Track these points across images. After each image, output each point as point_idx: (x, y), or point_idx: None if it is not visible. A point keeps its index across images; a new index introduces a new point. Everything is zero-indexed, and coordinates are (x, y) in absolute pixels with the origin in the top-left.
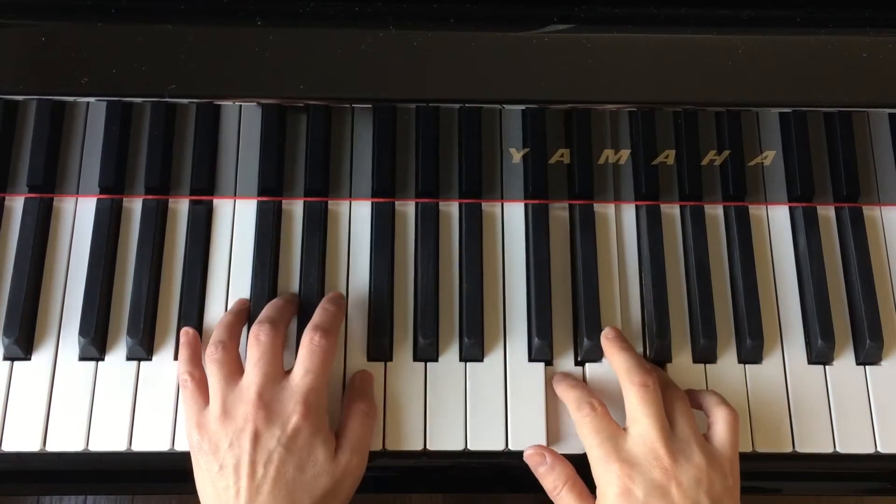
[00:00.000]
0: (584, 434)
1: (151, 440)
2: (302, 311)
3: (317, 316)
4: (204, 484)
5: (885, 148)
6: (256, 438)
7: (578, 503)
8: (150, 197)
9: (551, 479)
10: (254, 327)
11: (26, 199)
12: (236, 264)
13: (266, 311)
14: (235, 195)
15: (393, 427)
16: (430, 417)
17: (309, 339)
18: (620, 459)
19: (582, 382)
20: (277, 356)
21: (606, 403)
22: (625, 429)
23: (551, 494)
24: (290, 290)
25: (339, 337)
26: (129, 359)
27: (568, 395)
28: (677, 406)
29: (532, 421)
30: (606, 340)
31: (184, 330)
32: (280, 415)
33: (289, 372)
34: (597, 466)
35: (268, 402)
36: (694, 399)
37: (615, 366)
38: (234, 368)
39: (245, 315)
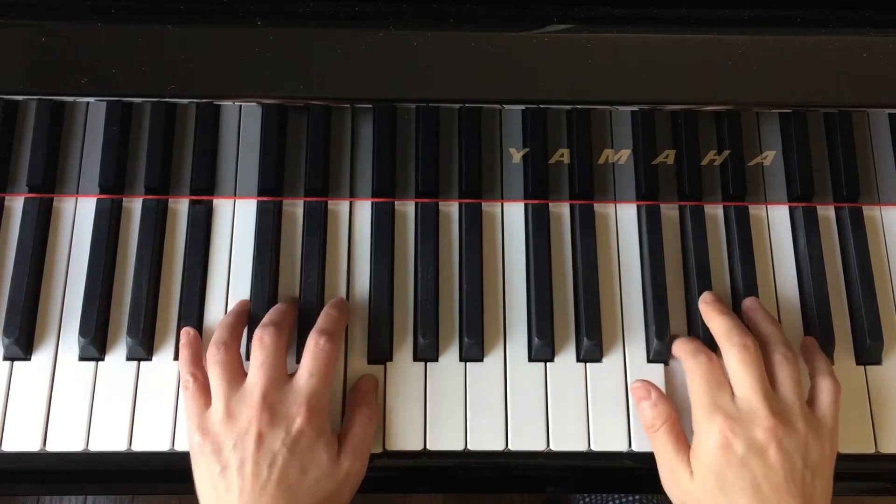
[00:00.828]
0: (694, 382)
1: (151, 440)
2: (300, 314)
3: (321, 321)
4: (204, 486)
5: (885, 148)
6: (260, 440)
7: (674, 445)
8: (150, 197)
9: (652, 415)
10: (258, 330)
11: (26, 199)
12: (236, 264)
13: (270, 314)
14: (235, 195)
15: (393, 427)
16: (430, 417)
17: (314, 343)
18: (725, 413)
19: (698, 339)
20: (281, 359)
21: (606, 403)
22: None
23: (648, 431)
24: (290, 291)
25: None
26: (129, 359)
27: (684, 347)
28: (782, 368)
29: (532, 421)
30: (705, 304)
31: (184, 330)
32: (284, 417)
33: (292, 375)
34: (699, 415)
35: (272, 405)
36: (805, 353)
37: (714, 328)
38: (237, 370)
39: (246, 316)
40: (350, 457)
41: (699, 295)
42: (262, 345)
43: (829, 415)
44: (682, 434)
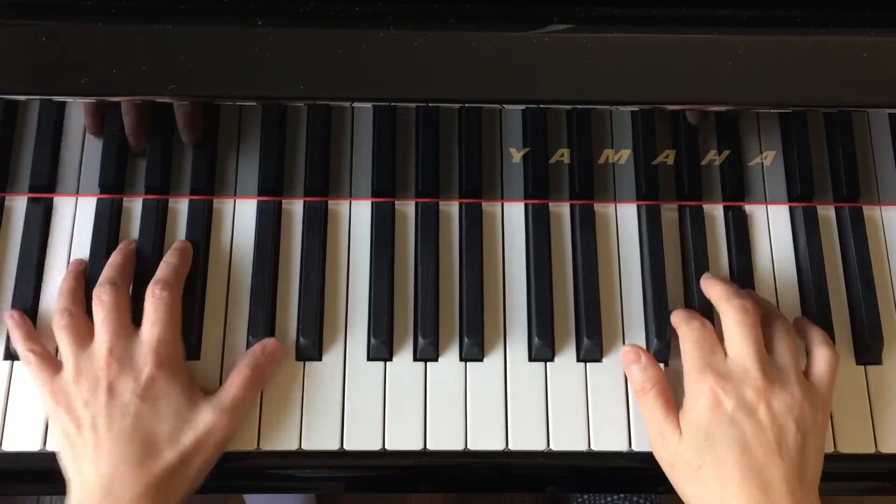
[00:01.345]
0: (687, 346)
1: None
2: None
3: (159, 271)
4: (64, 449)
5: (885, 148)
6: (111, 392)
7: (664, 409)
8: (150, 197)
9: (643, 377)
10: (95, 290)
11: (26, 199)
12: (236, 264)
13: (105, 271)
14: (235, 195)
15: (393, 427)
16: (431, 417)
17: (151, 293)
18: (715, 372)
19: (694, 310)
20: (123, 313)
21: (606, 403)
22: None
23: (638, 394)
24: (290, 291)
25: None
26: None
27: (679, 315)
28: (779, 336)
29: (532, 421)
30: (705, 279)
31: (7, 314)
32: (132, 368)
33: (139, 330)
34: (691, 376)
35: (119, 357)
36: (799, 330)
37: (713, 294)
38: (84, 332)
39: (83, 276)
40: (215, 410)
41: (698, 295)
42: (100, 302)
43: (824, 383)
44: (672, 397)
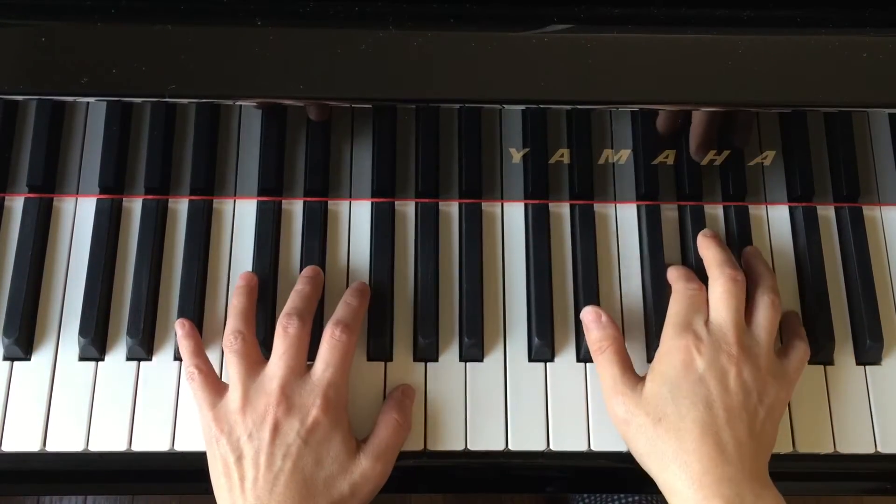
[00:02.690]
0: (677, 301)
1: (151, 440)
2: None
3: (339, 311)
4: (218, 476)
5: (885, 148)
6: (276, 430)
7: (621, 366)
8: (150, 197)
9: (601, 335)
10: (282, 318)
11: (26, 199)
12: (236, 264)
13: (294, 301)
14: (235, 195)
15: None
16: (430, 417)
17: (330, 335)
18: (695, 333)
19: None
20: (303, 350)
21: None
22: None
23: (595, 353)
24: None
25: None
26: (128, 359)
27: (679, 272)
28: (763, 311)
29: (532, 421)
30: (704, 237)
31: (179, 322)
32: (300, 408)
33: (312, 367)
34: (669, 331)
35: (289, 396)
36: (785, 320)
37: (708, 257)
38: (256, 359)
39: (255, 293)
40: (370, 458)
41: None
42: (285, 335)
43: (793, 368)
44: (628, 358)
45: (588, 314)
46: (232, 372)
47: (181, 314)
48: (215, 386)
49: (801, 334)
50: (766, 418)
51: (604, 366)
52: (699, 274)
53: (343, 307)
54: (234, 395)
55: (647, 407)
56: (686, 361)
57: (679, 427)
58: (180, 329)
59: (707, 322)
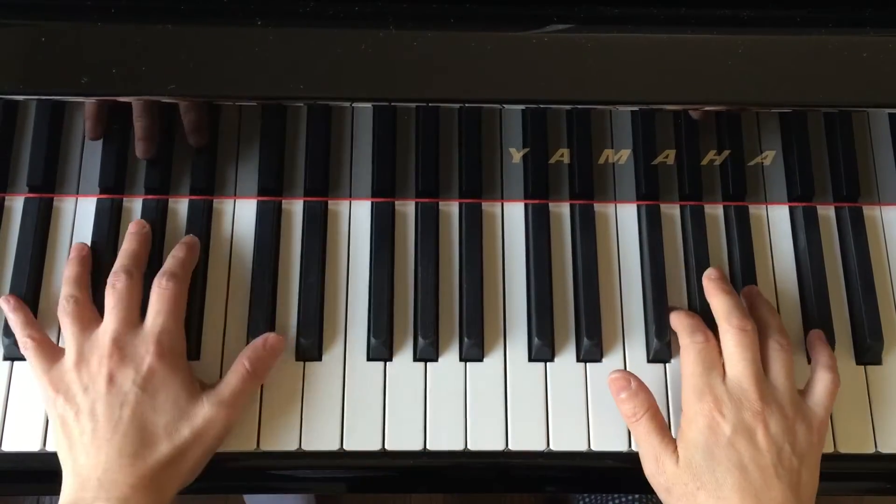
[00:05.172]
0: (688, 361)
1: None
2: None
3: (166, 264)
4: (59, 436)
5: (885, 148)
6: (111, 381)
7: (658, 433)
8: (150, 197)
9: (632, 405)
10: (110, 276)
11: (26, 199)
12: (236, 264)
13: (120, 259)
14: (235, 195)
15: (393, 427)
16: (430, 417)
17: (157, 285)
18: (714, 394)
19: (698, 316)
20: (134, 303)
21: (606, 403)
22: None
23: (629, 421)
24: (290, 291)
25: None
26: None
27: (682, 322)
28: (776, 356)
29: (532, 421)
30: (709, 280)
31: (4, 298)
32: (133, 357)
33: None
34: (690, 395)
35: (122, 347)
36: (810, 344)
37: (716, 307)
38: (90, 319)
39: (89, 261)
40: (213, 403)
41: (700, 295)
42: (113, 290)
43: (821, 405)
44: (664, 421)
45: (617, 381)
46: (67, 334)
47: None
48: (51, 351)
49: (824, 362)
50: (802, 467)
51: (641, 435)
52: (705, 312)
53: (169, 260)
54: (69, 355)
55: (685, 476)
56: (712, 426)
57: (718, 495)
58: (5, 305)
59: (724, 379)
